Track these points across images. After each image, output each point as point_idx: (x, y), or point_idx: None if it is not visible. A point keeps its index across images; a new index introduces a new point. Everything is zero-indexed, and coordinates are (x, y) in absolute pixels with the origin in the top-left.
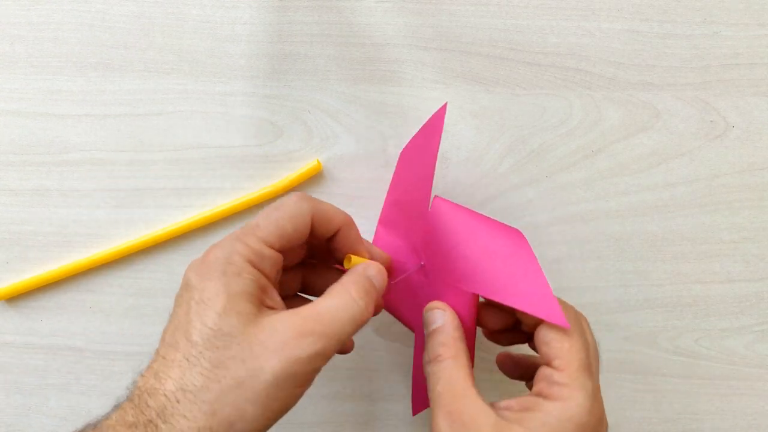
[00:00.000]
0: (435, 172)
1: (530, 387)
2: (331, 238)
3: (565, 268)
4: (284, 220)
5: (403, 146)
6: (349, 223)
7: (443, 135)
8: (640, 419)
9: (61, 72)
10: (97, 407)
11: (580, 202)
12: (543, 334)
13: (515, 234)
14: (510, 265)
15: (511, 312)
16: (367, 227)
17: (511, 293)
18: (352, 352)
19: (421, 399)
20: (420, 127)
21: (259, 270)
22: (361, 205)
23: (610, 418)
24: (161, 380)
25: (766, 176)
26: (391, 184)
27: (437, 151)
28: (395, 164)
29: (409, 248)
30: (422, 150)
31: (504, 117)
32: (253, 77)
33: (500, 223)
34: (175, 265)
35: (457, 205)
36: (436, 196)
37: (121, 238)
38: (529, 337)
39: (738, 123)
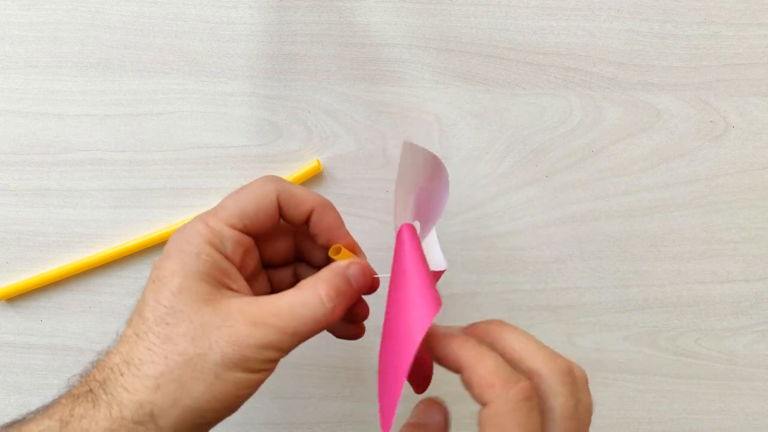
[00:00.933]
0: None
1: None
2: (309, 223)
3: (565, 268)
4: (247, 199)
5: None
6: (325, 204)
7: (443, 135)
8: (640, 419)
9: (61, 72)
10: None
11: (580, 202)
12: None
13: (425, 315)
14: (394, 349)
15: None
16: (367, 227)
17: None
18: (353, 352)
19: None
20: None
21: (219, 251)
22: (361, 205)
23: (611, 419)
24: (110, 355)
25: (766, 176)
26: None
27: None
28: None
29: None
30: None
31: (504, 117)
32: (253, 77)
33: (428, 289)
34: None
35: (417, 242)
36: (405, 223)
37: (121, 238)
38: None
39: (738, 123)
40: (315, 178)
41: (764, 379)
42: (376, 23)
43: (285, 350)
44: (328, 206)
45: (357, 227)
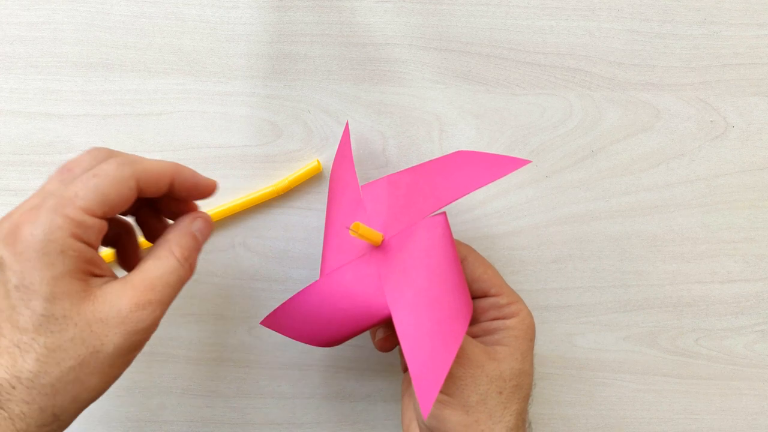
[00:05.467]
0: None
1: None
2: (173, 191)
3: (565, 268)
4: (107, 187)
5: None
6: (179, 170)
7: (443, 135)
8: (640, 419)
9: (61, 72)
10: (96, 407)
11: (580, 202)
12: (468, 273)
13: (465, 314)
14: (433, 330)
15: None
16: None
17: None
18: (354, 352)
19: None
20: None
21: (84, 242)
22: None
23: (611, 419)
24: None
25: (766, 176)
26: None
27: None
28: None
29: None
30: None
31: (504, 117)
32: (253, 77)
33: (459, 290)
34: None
35: (450, 238)
36: (444, 212)
37: None
38: None
39: (738, 123)
40: (315, 178)
41: (764, 379)
42: (376, 23)
43: (164, 313)
44: (181, 168)
45: None
